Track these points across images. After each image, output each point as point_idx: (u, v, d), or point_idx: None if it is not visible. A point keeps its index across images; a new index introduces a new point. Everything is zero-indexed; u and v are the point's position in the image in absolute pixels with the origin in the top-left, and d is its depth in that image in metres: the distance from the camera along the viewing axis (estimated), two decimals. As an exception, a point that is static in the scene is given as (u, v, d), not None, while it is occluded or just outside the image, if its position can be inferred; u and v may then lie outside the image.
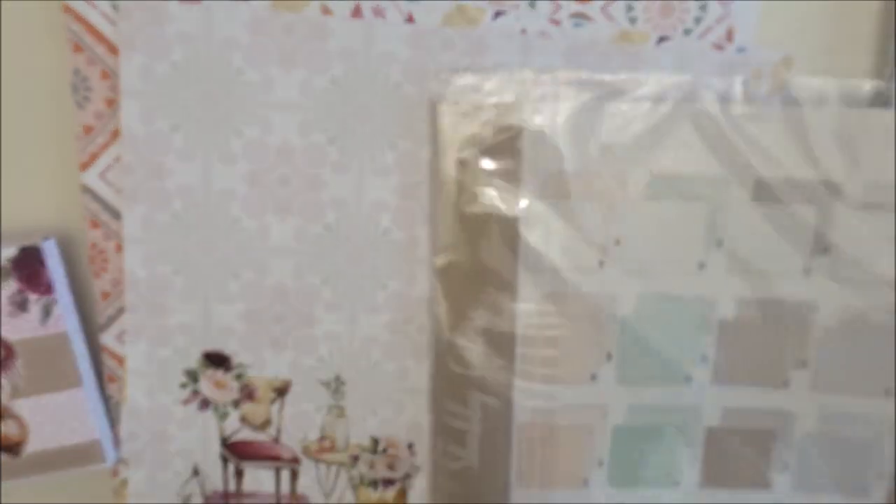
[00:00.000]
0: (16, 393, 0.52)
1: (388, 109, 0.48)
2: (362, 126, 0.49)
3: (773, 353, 0.50)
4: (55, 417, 0.52)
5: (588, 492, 0.53)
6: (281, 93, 0.48)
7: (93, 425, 0.53)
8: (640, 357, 0.50)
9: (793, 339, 0.50)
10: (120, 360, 0.53)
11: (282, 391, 0.54)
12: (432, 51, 0.47)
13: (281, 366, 0.53)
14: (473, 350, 0.50)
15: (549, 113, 0.47)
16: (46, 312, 0.50)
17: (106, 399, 0.54)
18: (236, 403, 0.54)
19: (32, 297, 0.50)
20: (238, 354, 0.53)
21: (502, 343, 0.50)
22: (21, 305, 0.50)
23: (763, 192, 0.48)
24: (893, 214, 0.47)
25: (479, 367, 0.50)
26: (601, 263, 0.49)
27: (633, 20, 0.47)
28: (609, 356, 0.50)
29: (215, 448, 0.55)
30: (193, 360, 0.53)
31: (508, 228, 0.48)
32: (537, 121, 0.47)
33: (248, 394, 0.54)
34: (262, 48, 0.47)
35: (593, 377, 0.51)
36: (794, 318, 0.49)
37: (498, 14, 0.47)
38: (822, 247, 0.48)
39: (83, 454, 0.53)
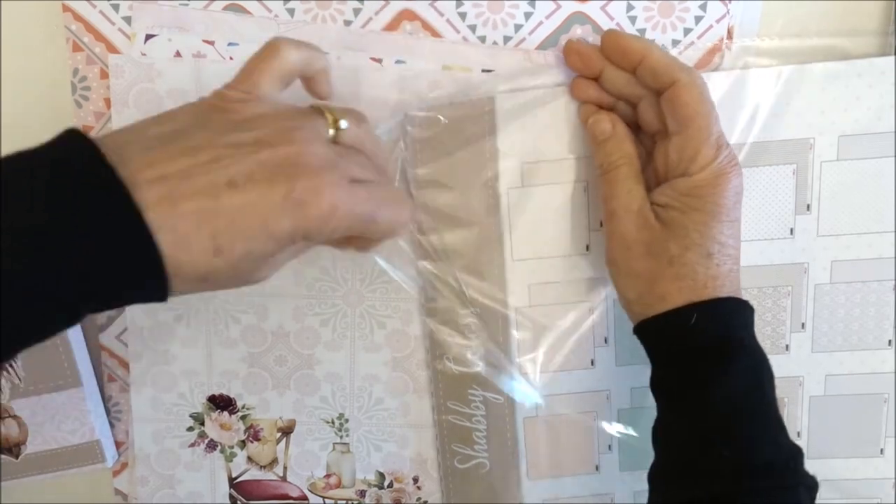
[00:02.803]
0: (16, 393, 0.52)
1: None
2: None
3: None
4: (55, 417, 0.52)
5: (600, 477, 0.53)
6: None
7: (93, 425, 0.53)
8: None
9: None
10: (120, 360, 0.53)
11: (287, 431, 0.54)
12: (418, 92, 0.48)
13: (285, 406, 0.54)
14: (470, 347, 0.50)
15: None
16: (47, 312, 0.50)
17: (106, 399, 0.54)
18: (242, 444, 0.55)
19: (33, 297, 0.50)
20: (242, 397, 0.54)
21: (497, 338, 0.50)
22: (21, 305, 0.50)
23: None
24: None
25: (477, 364, 0.50)
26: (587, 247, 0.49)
27: (633, 19, 0.47)
28: (605, 340, 0.50)
29: (224, 489, 0.56)
30: (199, 404, 0.53)
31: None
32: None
33: (253, 434, 0.54)
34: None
35: (592, 362, 0.51)
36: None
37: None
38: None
39: (83, 454, 0.53)
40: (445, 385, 0.51)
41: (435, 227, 0.49)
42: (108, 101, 0.48)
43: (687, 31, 0.47)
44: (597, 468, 0.53)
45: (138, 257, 0.31)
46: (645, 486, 0.47)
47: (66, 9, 0.47)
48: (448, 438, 0.53)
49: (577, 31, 0.47)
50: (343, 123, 0.38)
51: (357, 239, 0.40)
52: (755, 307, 0.49)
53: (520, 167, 0.48)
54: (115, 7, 0.47)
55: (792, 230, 0.49)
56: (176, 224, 0.32)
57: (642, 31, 0.47)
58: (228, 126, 0.35)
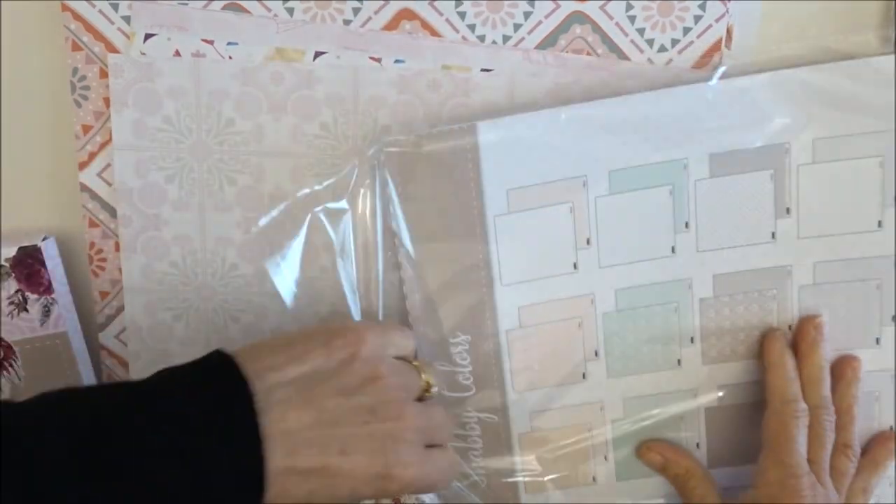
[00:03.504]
0: (16, 393, 0.52)
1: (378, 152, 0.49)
2: (353, 169, 0.49)
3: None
4: (55, 417, 0.53)
5: (598, 488, 0.53)
6: (272, 140, 0.49)
7: (92, 425, 0.53)
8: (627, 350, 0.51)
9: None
10: (120, 360, 0.53)
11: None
12: (418, 92, 0.48)
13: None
14: (462, 373, 0.51)
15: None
16: (46, 312, 0.50)
17: (105, 399, 0.54)
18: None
19: (32, 297, 0.50)
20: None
21: (489, 361, 0.51)
22: (21, 305, 0.50)
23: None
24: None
25: (470, 388, 0.51)
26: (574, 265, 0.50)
27: (632, 19, 0.47)
28: (596, 353, 0.51)
29: None
30: None
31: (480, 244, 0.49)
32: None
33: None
34: (252, 98, 0.48)
35: (584, 376, 0.51)
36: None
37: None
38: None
39: (83, 454, 0.54)
40: None
41: (422, 259, 0.49)
42: (107, 101, 0.48)
43: (686, 31, 0.47)
44: (594, 479, 0.53)
45: (250, 496, 0.37)
46: (644, 495, 0.50)
47: (65, 8, 0.47)
48: None
49: (577, 31, 0.47)
50: (435, 389, 0.45)
51: None
52: (741, 312, 0.50)
53: (505, 194, 0.48)
54: (115, 6, 0.47)
55: (773, 234, 0.49)
56: (286, 481, 0.37)
57: (641, 30, 0.47)
58: (352, 384, 0.40)
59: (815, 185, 0.48)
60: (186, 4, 0.47)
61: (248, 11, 0.47)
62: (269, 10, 0.47)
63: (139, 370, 0.53)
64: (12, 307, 0.50)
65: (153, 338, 0.52)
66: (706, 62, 0.47)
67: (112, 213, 0.50)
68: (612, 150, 0.48)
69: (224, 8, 0.47)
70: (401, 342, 0.45)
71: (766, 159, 0.48)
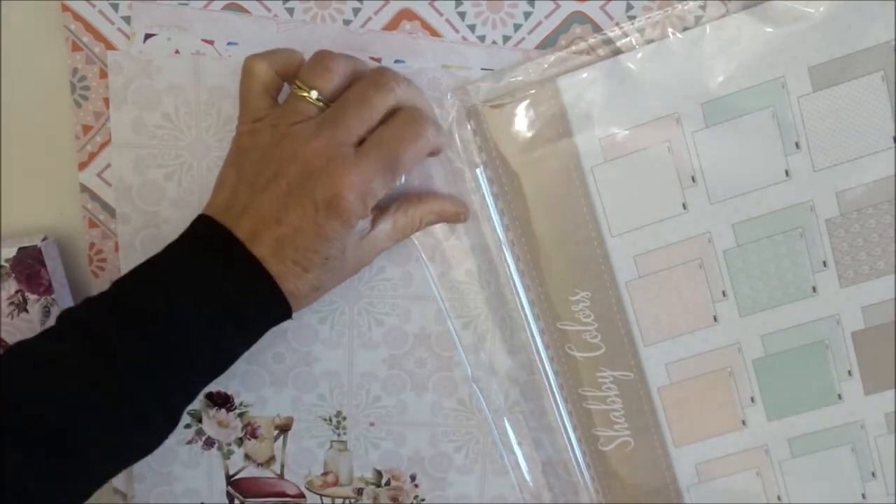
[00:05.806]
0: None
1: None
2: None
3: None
4: (55, 417, 0.52)
5: (749, 430, 0.52)
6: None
7: (92, 425, 0.53)
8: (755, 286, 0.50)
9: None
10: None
11: (284, 428, 0.54)
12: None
13: (282, 404, 0.54)
14: (588, 331, 0.50)
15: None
16: (46, 313, 0.50)
17: (105, 399, 0.54)
18: (240, 441, 0.55)
19: (32, 297, 0.50)
20: (240, 394, 0.54)
21: (613, 315, 0.50)
22: (21, 306, 0.50)
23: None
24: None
25: (599, 347, 0.50)
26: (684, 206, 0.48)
27: (632, 19, 0.47)
28: (723, 293, 0.50)
29: (221, 486, 0.56)
30: (196, 401, 0.53)
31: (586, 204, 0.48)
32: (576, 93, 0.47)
33: (251, 432, 0.55)
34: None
35: (714, 318, 0.50)
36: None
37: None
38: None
39: (82, 454, 0.53)
40: (573, 374, 0.51)
41: (528, 219, 0.49)
42: (107, 101, 0.48)
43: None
44: (744, 423, 0.52)
45: (271, 298, 0.42)
46: (798, 430, 0.50)
47: (65, 8, 0.47)
48: (587, 425, 0.52)
49: (577, 31, 0.47)
50: (314, 94, 0.42)
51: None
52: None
53: (598, 143, 0.47)
54: (115, 6, 0.47)
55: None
56: (273, 266, 0.41)
57: (642, 30, 0.47)
58: (254, 168, 0.42)
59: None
60: (186, 4, 0.47)
61: (248, 11, 0.47)
62: (269, 10, 0.47)
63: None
64: (12, 307, 0.50)
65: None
66: (706, 62, 0.47)
67: (112, 213, 0.50)
68: (697, 82, 0.47)
69: (224, 8, 0.47)
70: (287, 59, 0.44)
71: (874, 60, 0.46)
